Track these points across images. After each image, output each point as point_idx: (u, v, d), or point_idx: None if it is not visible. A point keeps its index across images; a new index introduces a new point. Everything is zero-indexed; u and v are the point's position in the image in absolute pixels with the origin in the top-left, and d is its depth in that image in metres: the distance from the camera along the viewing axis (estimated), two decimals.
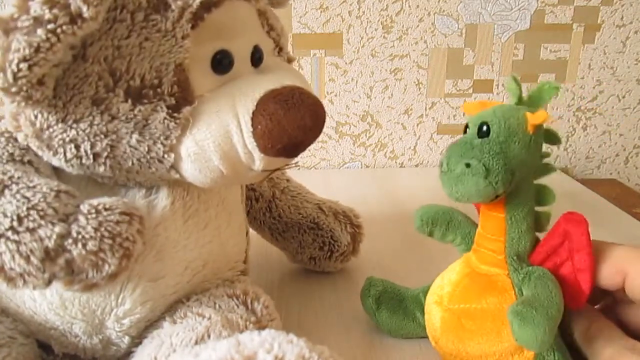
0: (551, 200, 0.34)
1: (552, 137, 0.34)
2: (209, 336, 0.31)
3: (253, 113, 0.29)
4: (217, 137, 0.29)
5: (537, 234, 0.35)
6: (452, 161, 0.32)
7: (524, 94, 0.34)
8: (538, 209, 0.35)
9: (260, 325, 0.34)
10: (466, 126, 0.34)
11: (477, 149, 0.31)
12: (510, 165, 0.31)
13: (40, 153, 0.31)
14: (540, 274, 0.33)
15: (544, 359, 0.33)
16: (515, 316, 0.30)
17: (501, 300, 0.33)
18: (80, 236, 0.27)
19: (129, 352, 0.34)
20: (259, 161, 0.30)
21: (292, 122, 0.29)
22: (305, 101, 0.30)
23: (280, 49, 0.36)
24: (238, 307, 0.34)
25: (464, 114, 0.83)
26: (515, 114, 0.32)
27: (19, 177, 0.29)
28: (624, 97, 0.84)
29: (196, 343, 0.30)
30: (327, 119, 0.82)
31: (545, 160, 0.34)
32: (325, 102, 0.81)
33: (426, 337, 0.39)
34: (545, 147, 0.34)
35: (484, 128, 0.32)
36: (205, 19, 0.30)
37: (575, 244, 0.32)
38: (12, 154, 0.31)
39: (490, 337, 0.33)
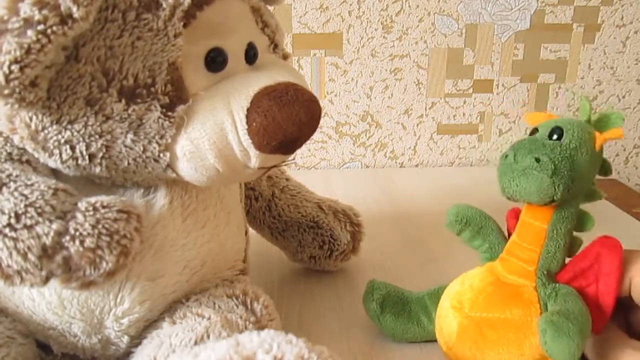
0: (589, 226, 0.35)
1: (605, 166, 0.35)
2: (208, 336, 0.30)
3: (247, 110, 0.29)
4: (212, 135, 0.29)
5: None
6: (521, 154, 0.32)
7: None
8: (574, 233, 0.35)
9: (259, 326, 0.33)
10: (534, 130, 0.34)
11: (549, 148, 0.32)
12: (574, 173, 0.31)
13: (36, 155, 0.31)
14: (568, 292, 0.33)
15: None
16: (550, 325, 0.29)
17: (526, 313, 0.33)
18: (77, 233, 0.27)
19: (128, 352, 0.34)
20: (254, 158, 0.30)
21: (287, 118, 0.29)
22: (300, 97, 0.30)
23: (275, 46, 0.36)
24: (237, 307, 0.34)
25: (464, 114, 0.83)
26: (586, 128, 0.33)
27: (16, 176, 0.29)
28: (624, 97, 0.84)
29: (195, 343, 0.30)
30: (327, 119, 0.82)
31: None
32: (325, 102, 0.81)
33: (430, 341, 0.38)
34: None
35: (557, 132, 0.32)
36: (197, 16, 0.30)
37: (604, 268, 0.32)
38: (10, 153, 0.31)
39: (511, 348, 0.33)
